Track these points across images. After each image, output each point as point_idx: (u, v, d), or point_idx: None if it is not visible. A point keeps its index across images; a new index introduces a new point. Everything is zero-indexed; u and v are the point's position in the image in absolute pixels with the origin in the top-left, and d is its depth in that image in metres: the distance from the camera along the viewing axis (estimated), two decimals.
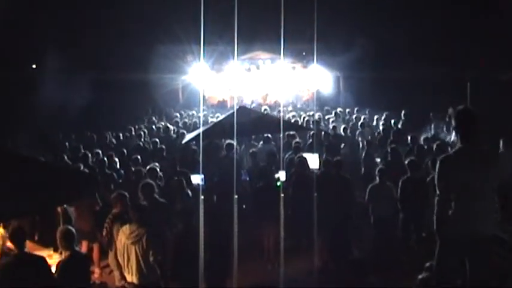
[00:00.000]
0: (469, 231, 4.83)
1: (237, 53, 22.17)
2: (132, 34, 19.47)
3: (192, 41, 19.44)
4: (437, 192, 5.02)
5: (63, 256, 6.47)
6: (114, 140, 14.26)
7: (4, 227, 7.26)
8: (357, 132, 14.52)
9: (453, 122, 5.05)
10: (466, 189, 4.82)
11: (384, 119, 15.70)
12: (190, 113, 19.75)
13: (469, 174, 4.82)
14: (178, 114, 19.60)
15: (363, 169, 11.76)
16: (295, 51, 23.63)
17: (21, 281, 5.59)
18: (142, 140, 14.03)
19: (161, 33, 21.23)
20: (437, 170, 4.95)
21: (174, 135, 14.72)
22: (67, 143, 13.07)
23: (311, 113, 17.22)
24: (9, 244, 6.13)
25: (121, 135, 14.61)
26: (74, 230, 6.28)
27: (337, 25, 18.62)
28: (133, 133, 15.25)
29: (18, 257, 5.83)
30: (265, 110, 18.04)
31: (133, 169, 10.06)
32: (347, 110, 18.74)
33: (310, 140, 12.46)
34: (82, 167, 9.84)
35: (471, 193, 4.82)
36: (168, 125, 16.41)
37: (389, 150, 10.69)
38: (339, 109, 18.15)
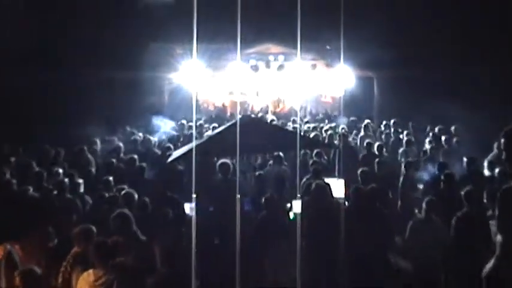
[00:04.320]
0: None
1: (241, 46, 22.06)
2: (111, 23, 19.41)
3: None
4: (500, 233, 4.98)
5: None
6: (77, 155, 14.08)
7: None
8: (400, 151, 14.55)
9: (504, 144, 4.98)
10: None
11: (432, 135, 15.63)
12: (180, 122, 19.64)
13: None
14: (162, 123, 19.48)
15: (399, 201, 11.74)
16: (317, 44, 23.49)
17: None
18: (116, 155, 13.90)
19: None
20: (498, 204, 4.94)
21: (158, 151, 14.64)
22: (13, 159, 12.94)
23: (334, 125, 17.16)
24: None
25: (86, 149, 14.36)
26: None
27: (370, 12, 18.54)
28: (101, 147, 15.18)
29: None
30: (272, 120, 18.03)
31: (106, 195, 9.99)
32: (383, 123, 18.72)
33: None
34: (31, 191, 9.74)
35: None
36: (150, 136, 16.29)
37: (442, 177, 10.61)
38: (366, 121, 18.12)
